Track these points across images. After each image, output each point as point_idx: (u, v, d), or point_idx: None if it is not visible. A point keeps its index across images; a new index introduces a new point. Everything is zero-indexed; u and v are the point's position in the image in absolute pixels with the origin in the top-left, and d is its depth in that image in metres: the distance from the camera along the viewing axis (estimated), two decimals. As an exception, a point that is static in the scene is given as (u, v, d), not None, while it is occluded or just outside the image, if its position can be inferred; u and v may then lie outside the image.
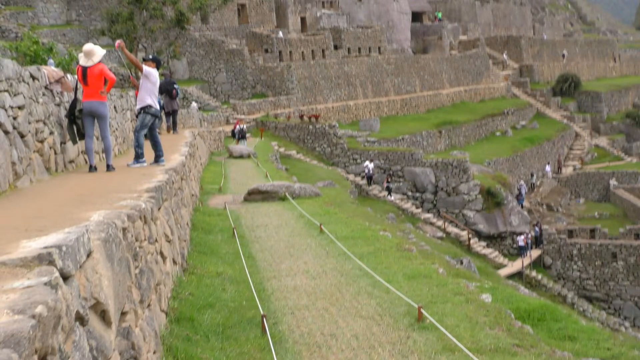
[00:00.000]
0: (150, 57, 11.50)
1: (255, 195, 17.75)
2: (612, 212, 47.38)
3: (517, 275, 31.46)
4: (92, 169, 9.72)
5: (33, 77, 8.48)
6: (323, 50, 56.70)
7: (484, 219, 35.29)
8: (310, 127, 40.68)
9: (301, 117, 42.65)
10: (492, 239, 35.20)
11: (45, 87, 9.14)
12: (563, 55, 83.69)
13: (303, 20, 64.97)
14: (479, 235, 34.93)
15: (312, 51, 55.68)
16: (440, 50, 72.01)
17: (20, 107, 7.63)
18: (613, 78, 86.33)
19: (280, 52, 52.84)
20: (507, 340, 6.99)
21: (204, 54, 50.23)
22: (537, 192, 50.89)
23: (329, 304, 8.32)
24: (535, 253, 34.60)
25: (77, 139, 9.92)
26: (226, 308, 7.77)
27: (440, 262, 12.29)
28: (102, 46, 12.24)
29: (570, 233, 36.03)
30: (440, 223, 34.78)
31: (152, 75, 11.02)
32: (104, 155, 10.73)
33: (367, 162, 36.84)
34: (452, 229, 34.60)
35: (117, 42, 11.15)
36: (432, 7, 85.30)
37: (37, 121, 8.39)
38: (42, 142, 8.54)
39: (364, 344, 6.89)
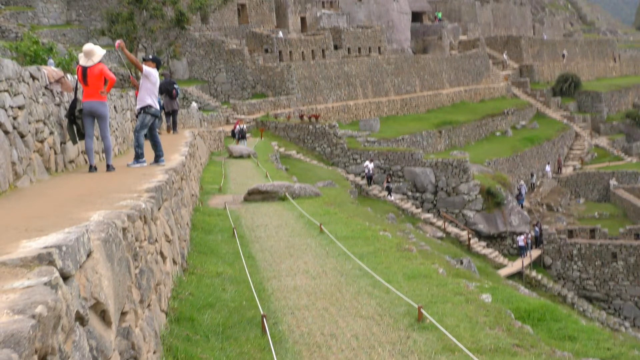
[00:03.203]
0: (150, 57, 11.49)
1: (255, 195, 17.74)
2: (612, 212, 47.38)
3: (517, 275, 31.46)
4: (92, 169, 9.72)
5: (33, 77, 8.48)
6: (323, 50, 56.70)
7: (484, 219, 35.29)
8: (310, 127, 40.68)
9: (301, 117, 42.64)
10: (492, 239, 35.21)
11: (45, 87, 9.14)
12: (563, 55, 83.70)
13: (303, 20, 64.97)
14: (479, 235, 34.94)
15: (312, 51, 55.68)
16: (440, 50, 72.01)
17: (20, 107, 7.63)
18: (613, 78, 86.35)
19: (280, 52, 52.84)
20: (507, 340, 6.99)
21: (204, 54, 50.23)
22: (537, 192, 50.89)
23: (329, 304, 8.32)
24: (535, 253, 34.60)
25: (77, 139, 9.91)
26: (226, 308, 7.77)
27: (440, 262, 12.30)
28: (102, 46, 12.24)
29: (570, 233, 36.03)
30: (440, 223, 34.78)
31: (152, 75, 11.01)
32: (104, 155, 10.73)
33: (367, 162, 36.83)
34: (452, 229, 34.60)
35: (117, 42, 11.14)
36: (432, 7, 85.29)
37: (37, 121, 8.39)
38: (42, 142, 8.54)
39: (364, 344, 6.89)
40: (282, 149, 37.37)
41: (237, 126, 36.41)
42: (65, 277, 3.25)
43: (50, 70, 9.62)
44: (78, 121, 9.75)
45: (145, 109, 10.89)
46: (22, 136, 7.63)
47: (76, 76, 10.03)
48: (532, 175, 52.69)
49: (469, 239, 33.48)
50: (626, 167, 57.18)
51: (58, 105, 9.65)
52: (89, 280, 3.61)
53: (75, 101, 9.79)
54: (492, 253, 33.52)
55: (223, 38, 51.78)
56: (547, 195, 50.78)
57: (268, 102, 47.13)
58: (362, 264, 9.87)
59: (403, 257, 10.87)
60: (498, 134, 59.64)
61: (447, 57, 67.98)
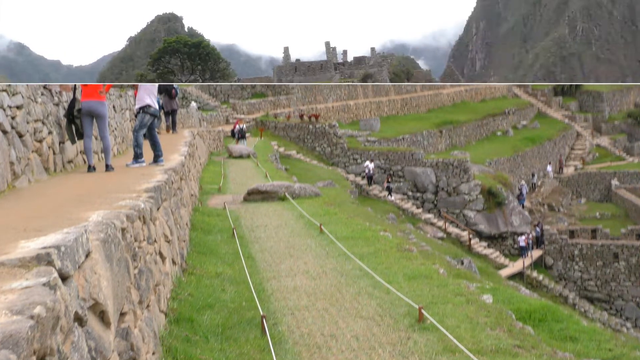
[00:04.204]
0: (150, 56, 11.47)
1: (255, 195, 17.72)
2: (614, 213, 47.34)
3: (518, 276, 31.42)
4: (91, 168, 9.70)
5: (32, 77, 8.46)
6: (323, 50, 56.72)
7: (485, 219, 35.26)
8: (310, 127, 40.66)
9: (301, 116, 42.63)
10: (493, 239, 35.16)
11: (44, 87, 9.11)
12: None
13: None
14: (480, 235, 34.90)
15: (313, 51, 55.69)
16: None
17: (18, 107, 7.61)
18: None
19: (280, 52, 52.85)
20: (508, 341, 6.97)
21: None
22: (538, 192, 50.85)
23: (329, 304, 8.29)
24: (536, 253, 34.56)
25: (76, 138, 9.90)
26: (226, 309, 7.75)
27: (440, 262, 12.28)
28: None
29: (572, 233, 35.98)
30: (440, 223, 34.74)
31: (152, 75, 11.00)
32: (102, 155, 10.72)
33: (367, 162, 36.81)
34: (452, 229, 34.56)
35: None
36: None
37: (36, 121, 8.37)
38: (40, 141, 8.51)
39: (364, 345, 6.86)
40: (281, 149, 37.35)
41: (237, 126, 36.39)
42: (64, 278, 3.23)
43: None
44: (77, 121, 9.74)
45: (144, 109, 10.88)
46: (20, 136, 7.61)
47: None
48: (533, 175, 52.65)
49: (470, 240, 33.44)
50: (628, 167, 57.13)
51: (57, 104, 9.63)
52: (87, 281, 3.59)
53: (74, 101, 9.77)
54: (492, 253, 33.47)
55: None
56: (548, 196, 50.73)
57: (268, 101, 47.11)
58: (363, 265, 9.85)
59: (403, 257, 10.85)
60: (499, 133, 59.62)
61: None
